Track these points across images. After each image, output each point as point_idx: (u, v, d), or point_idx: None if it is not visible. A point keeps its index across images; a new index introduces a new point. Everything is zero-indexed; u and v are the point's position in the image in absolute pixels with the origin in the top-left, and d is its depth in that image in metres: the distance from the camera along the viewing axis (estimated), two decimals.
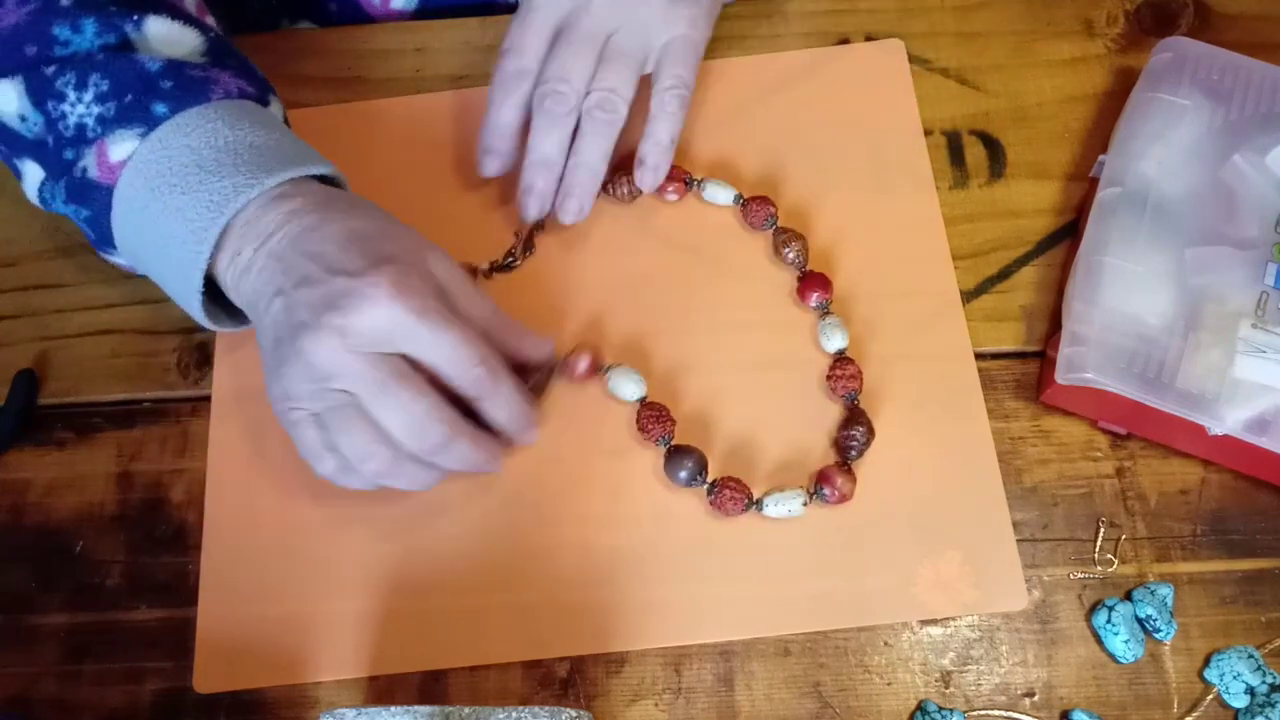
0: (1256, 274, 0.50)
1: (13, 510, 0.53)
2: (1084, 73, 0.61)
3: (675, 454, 0.51)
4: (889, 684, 0.49)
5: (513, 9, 0.55)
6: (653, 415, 0.52)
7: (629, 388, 0.52)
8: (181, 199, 0.46)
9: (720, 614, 0.50)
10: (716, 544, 0.51)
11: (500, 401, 0.47)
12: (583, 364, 0.53)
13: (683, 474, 0.51)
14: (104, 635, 0.51)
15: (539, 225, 0.56)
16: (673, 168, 0.56)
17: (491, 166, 0.56)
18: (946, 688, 0.49)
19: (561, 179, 0.55)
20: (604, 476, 0.52)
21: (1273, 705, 0.47)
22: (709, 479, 0.51)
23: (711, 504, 0.51)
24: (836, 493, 0.50)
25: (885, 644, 0.50)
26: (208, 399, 0.55)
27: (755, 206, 0.56)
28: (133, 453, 0.54)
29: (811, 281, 0.55)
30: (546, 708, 0.44)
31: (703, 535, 0.51)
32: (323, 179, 0.50)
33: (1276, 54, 0.57)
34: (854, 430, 0.51)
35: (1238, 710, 0.48)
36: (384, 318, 0.43)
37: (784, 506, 0.50)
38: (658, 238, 0.57)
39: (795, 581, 0.50)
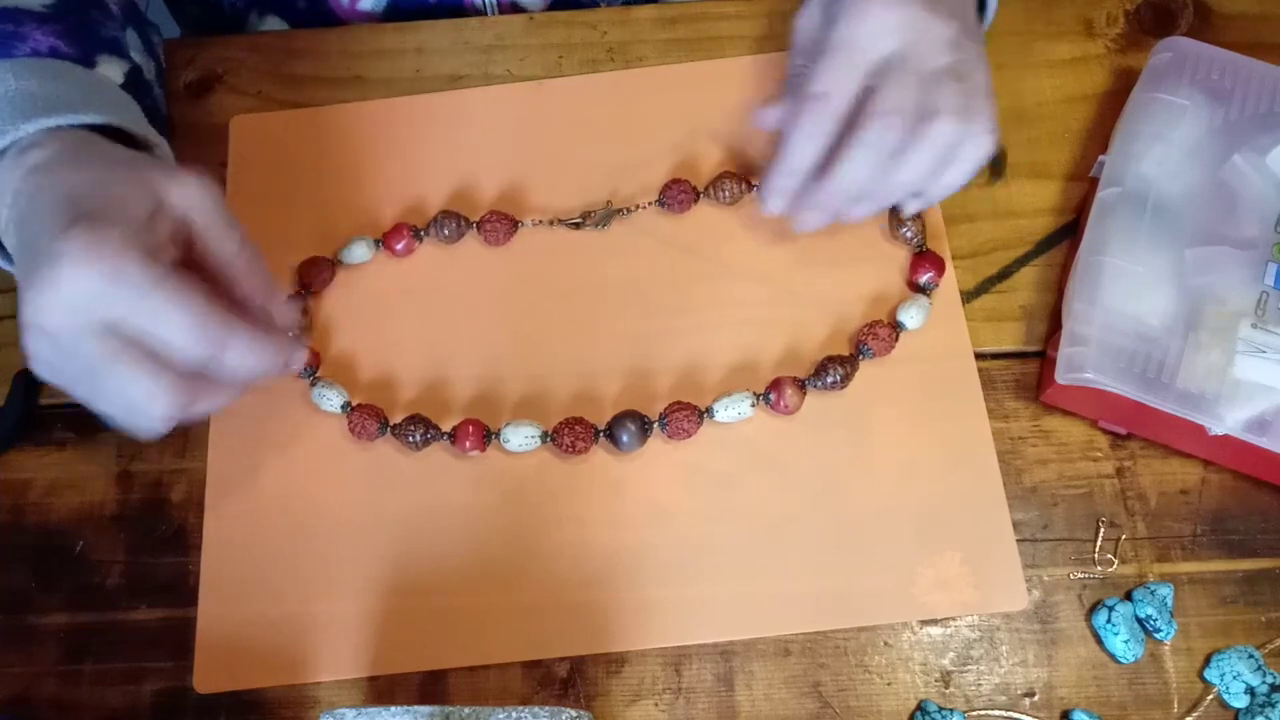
0: (1256, 274, 0.50)
1: (13, 510, 0.53)
2: (1084, 73, 0.61)
3: (613, 428, 0.52)
4: (889, 684, 0.49)
5: (481, 11, 0.54)
6: (570, 426, 0.52)
7: (522, 440, 0.52)
8: None
9: (720, 614, 0.50)
10: (716, 544, 0.51)
11: (234, 356, 0.42)
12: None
13: (626, 439, 0.51)
14: (104, 635, 0.51)
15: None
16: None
17: (779, 206, 0.53)
18: (946, 688, 0.49)
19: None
20: (604, 476, 0.52)
21: (1273, 705, 0.47)
22: (655, 417, 0.52)
23: (669, 435, 0.52)
24: (783, 402, 0.51)
25: (885, 644, 0.50)
26: None
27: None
28: (133, 453, 0.54)
29: (926, 259, 0.55)
30: (546, 708, 0.44)
31: (703, 535, 0.51)
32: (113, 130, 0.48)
33: (1276, 54, 0.57)
34: (837, 367, 0.52)
35: (1238, 710, 0.48)
36: (76, 289, 0.39)
37: (734, 410, 0.51)
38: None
39: (795, 581, 0.50)
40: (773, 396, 0.52)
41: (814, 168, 0.51)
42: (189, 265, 0.44)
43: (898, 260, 0.56)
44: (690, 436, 0.52)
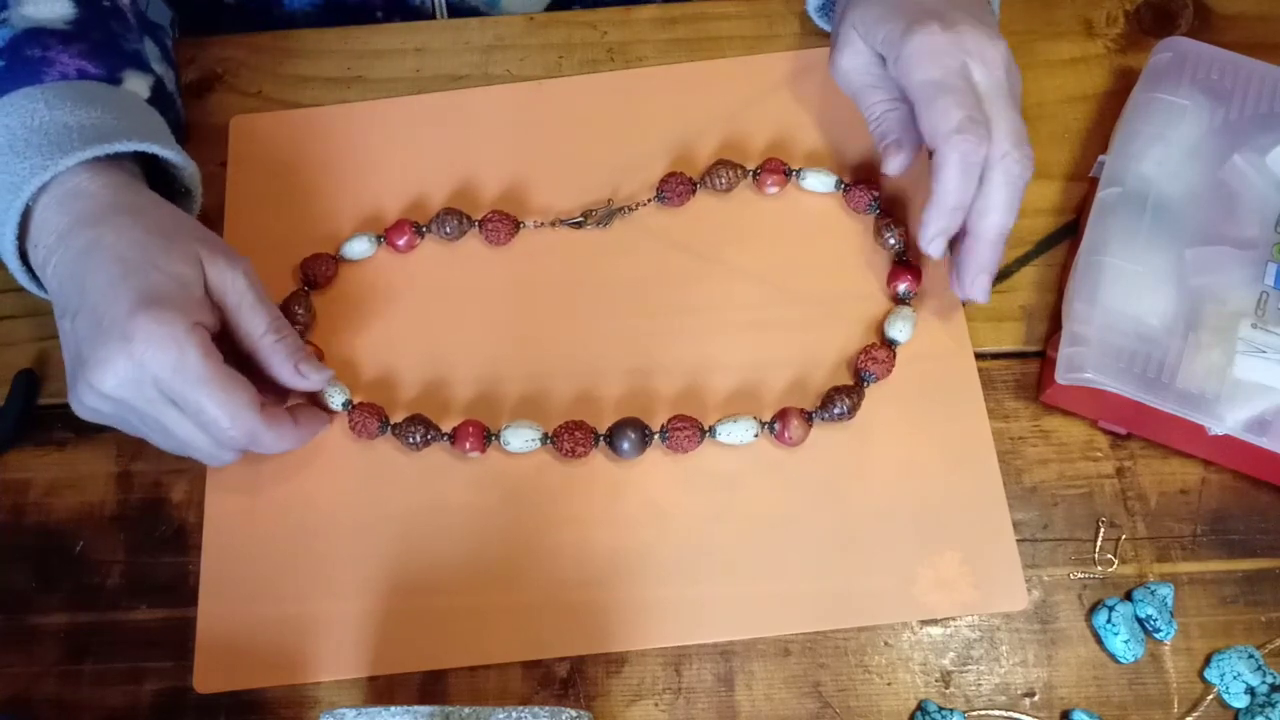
0: (1256, 274, 0.50)
1: (13, 510, 0.53)
2: (1084, 73, 0.61)
3: (614, 435, 0.52)
4: (889, 684, 0.49)
5: (429, 15, 0.55)
6: (570, 431, 0.52)
7: (522, 442, 0.52)
8: None
9: (720, 614, 0.50)
10: (716, 544, 0.51)
11: (265, 446, 0.48)
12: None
13: (626, 446, 0.51)
14: (104, 635, 0.51)
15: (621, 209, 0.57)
16: (774, 161, 0.57)
17: (940, 248, 0.52)
18: (946, 688, 0.49)
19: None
20: (604, 477, 0.52)
21: (1273, 705, 0.47)
22: (657, 429, 0.52)
23: (669, 447, 0.51)
24: (788, 434, 0.51)
25: (885, 644, 0.50)
26: None
27: (858, 191, 0.56)
28: (133, 453, 0.54)
29: (905, 269, 0.55)
30: (546, 708, 0.44)
31: (703, 535, 0.51)
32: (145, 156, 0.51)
33: (1276, 54, 0.57)
34: (843, 398, 0.52)
35: (1238, 710, 0.48)
36: (140, 372, 0.44)
37: (737, 435, 0.51)
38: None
39: (795, 581, 0.50)
40: (778, 427, 0.52)
41: (967, 204, 0.50)
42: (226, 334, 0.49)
43: (879, 267, 0.56)
44: (690, 453, 0.52)
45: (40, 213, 0.48)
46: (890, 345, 0.54)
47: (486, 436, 0.52)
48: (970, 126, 0.48)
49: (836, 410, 0.52)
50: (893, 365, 0.53)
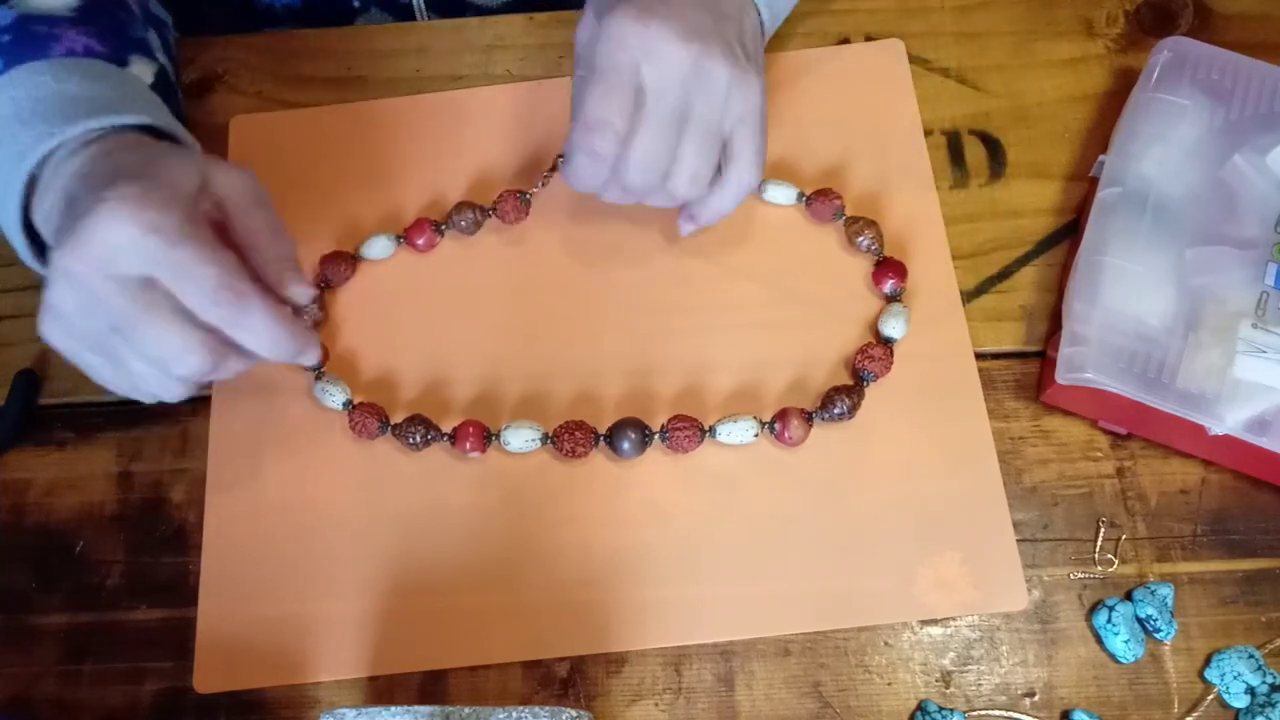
0: (1256, 274, 0.50)
1: (13, 510, 0.53)
2: (1084, 73, 0.61)
3: (614, 435, 0.52)
4: (889, 684, 0.49)
5: (410, 13, 0.54)
6: (570, 431, 0.52)
7: (522, 441, 0.52)
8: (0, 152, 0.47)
9: (720, 614, 0.50)
10: (716, 544, 0.51)
11: (249, 327, 0.43)
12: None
13: (626, 446, 0.51)
14: (104, 635, 0.51)
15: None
16: None
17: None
18: (947, 688, 0.49)
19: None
20: (604, 477, 0.52)
21: (1273, 705, 0.47)
22: (657, 429, 0.52)
23: (669, 447, 0.51)
24: (788, 434, 0.51)
25: (885, 644, 0.50)
26: (208, 399, 0.55)
27: (820, 201, 0.56)
28: (133, 453, 0.54)
29: (887, 267, 0.55)
30: (546, 708, 0.44)
31: (703, 535, 0.51)
32: (152, 130, 0.49)
33: (1276, 54, 0.57)
34: (843, 398, 0.52)
35: (1238, 710, 0.48)
36: (112, 236, 0.40)
37: (737, 435, 0.51)
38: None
39: (795, 581, 0.50)
40: (778, 427, 0.52)
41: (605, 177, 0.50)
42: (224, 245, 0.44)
43: (863, 269, 0.56)
44: (690, 453, 0.52)
45: (45, 179, 0.47)
46: (887, 343, 0.54)
47: (486, 436, 0.52)
48: (598, 127, 0.47)
49: (837, 410, 0.52)
50: (891, 363, 0.53)
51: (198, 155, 0.46)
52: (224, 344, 0.43)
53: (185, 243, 0.41)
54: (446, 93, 0.62)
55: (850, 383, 0.53)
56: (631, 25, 0.46)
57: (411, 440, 0.52)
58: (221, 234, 0.44)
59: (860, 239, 0.55)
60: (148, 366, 0.43)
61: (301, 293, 0.47)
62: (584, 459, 0.52)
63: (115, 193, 0.40)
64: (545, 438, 0.52)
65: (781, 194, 0.57)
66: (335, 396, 0.53)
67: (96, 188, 0.41)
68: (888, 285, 0.55)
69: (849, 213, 0.57)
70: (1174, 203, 0.52)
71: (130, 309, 0.41)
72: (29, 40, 0.50)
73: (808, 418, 0.52)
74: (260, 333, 0.43)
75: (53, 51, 0.50)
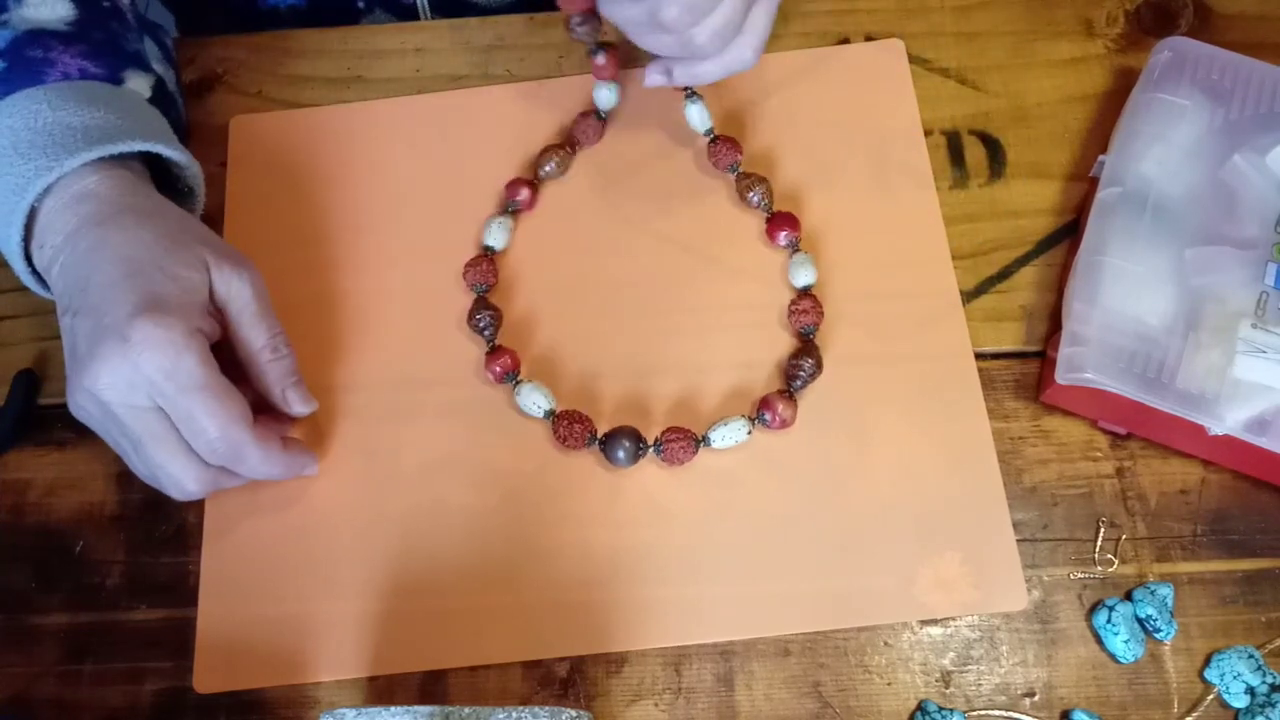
0: (1256, 274, 0.50)
1: (13, 510, 0.53)
2: (1084, 73, 0.61)
3: (608, 443, 0.51)
4: (889, 684, 0.49)
5: (414, 13, 0.54)
6: (568, 422, 0.52)
7: (537, 402, 0.52)
8: None
9: (720, 614, 0.50)
10: (716, 544, 0.51)
11: (246, 466, 0.48)
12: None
13: (621, 455, 0.51)
14: (104, 635, 0.51)
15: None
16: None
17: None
18: (946, 688, 0.49)
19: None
20: (604, 476, 0.52)
21: (1273, 705, 0.47)
22: (651, 440, 0.52)
23: (664, 459, 0.51)
24: (777, 418, 0.51)
25: (885, 644, 0.50)
26: None
27: (723, 147, 0.57)
28: None
29: (780, 220, 0.56)
30: (546, 708, 0.44)
31: (703, 535, 0.51)
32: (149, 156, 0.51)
33: (1276, 54, 0.57)
34: (802, 361, 0.52)
35: (1238, 710, 0.48)
36: (134, 374, 0.44)
37: (730, 437, 0.51)
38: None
39: (795, 581, 0.50)
40: (767, 415, 0.52)
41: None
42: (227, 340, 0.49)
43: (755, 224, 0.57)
44: (685, 464, 0.52)
45: (46, 214, 0.48)
46: (806, 292, 0.54)
47: (511, 378, 0.53)
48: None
49: (805, 373, 0.52)
50: (821, 310, 0.54)
51: (199, 243, 0.48)
52: (223, 470, 0.48)
53: (193, 393, 0.45)
54: (446, 93, 0.62)
55: (798, 344, 0.54)
56: None
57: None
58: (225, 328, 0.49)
59: (750, 194, 0.56)
60: (152, 478, 0.48)
61: (303, 409, 0.51)
62: (581, 455, 0.52)
63: (140, 330, 0.44)
64: (550, 414, 0.52)
65: (698, 115, 0.58)
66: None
67: (108, 293, 0.45)
68: (783, 236, 0.55)
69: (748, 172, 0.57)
70: (1174, 203, 0.52)
71: (140, 435, 0.46)
72: (24, 67, 0.50)
73: (788, 395, 0.52)
74: (256, 470, 0.48)
75: (48, 78, 0.50)
